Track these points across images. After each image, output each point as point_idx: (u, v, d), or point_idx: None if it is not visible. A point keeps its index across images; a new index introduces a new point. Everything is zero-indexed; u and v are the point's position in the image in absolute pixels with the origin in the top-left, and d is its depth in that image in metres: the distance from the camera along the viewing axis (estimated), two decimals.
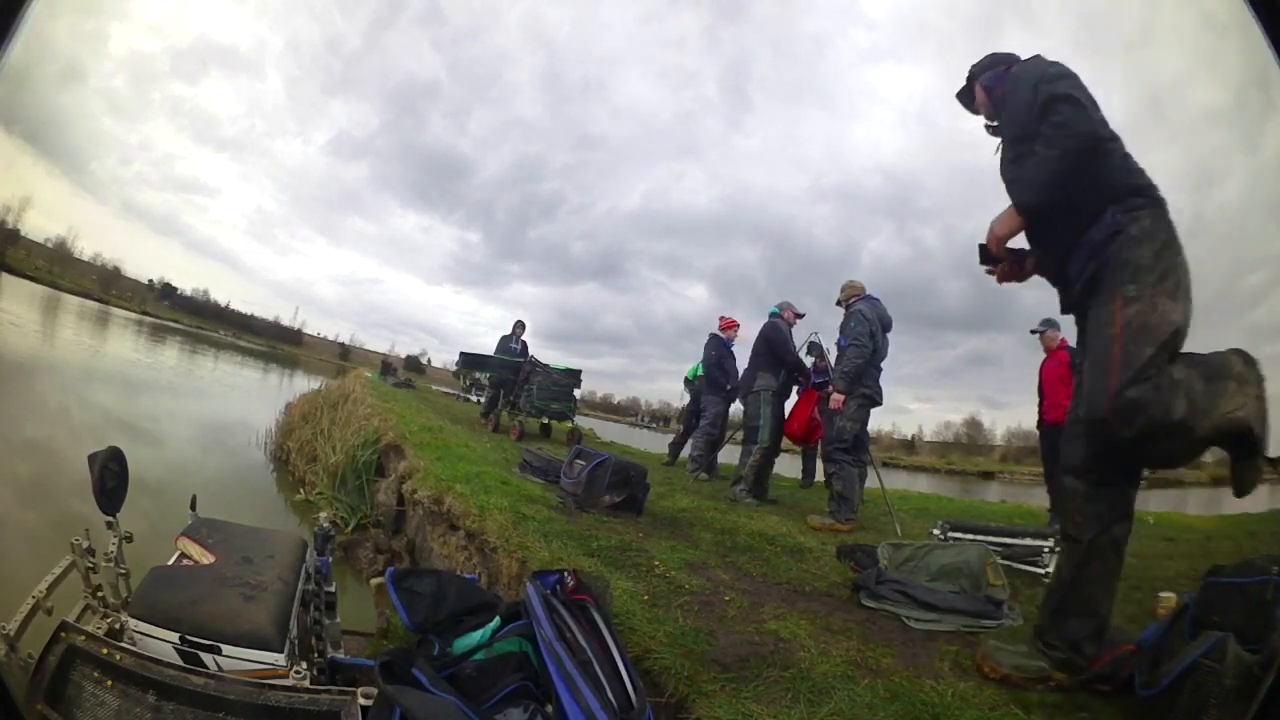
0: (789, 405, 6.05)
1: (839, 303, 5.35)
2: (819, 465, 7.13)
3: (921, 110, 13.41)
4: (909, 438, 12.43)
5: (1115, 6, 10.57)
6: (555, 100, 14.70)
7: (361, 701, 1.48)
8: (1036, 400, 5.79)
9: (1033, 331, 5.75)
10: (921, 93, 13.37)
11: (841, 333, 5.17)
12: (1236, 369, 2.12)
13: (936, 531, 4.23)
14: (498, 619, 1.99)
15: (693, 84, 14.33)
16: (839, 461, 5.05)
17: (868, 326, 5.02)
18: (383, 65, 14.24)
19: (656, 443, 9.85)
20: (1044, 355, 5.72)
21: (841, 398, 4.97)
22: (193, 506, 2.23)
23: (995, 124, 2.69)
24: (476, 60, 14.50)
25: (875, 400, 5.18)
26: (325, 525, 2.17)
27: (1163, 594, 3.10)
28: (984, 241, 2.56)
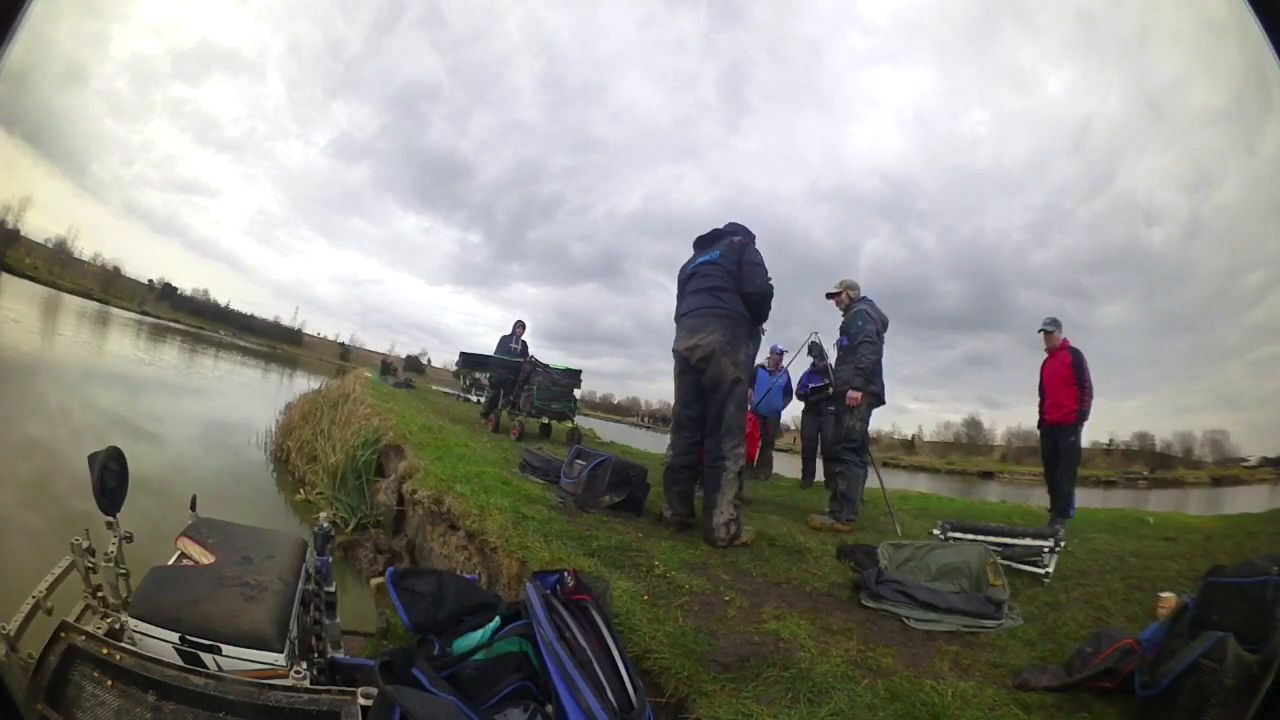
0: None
1: (831, 295, 5.25)
2: (819, 465, 7.13)
3: (918, 113, 13.47)
4: (909, 438, 12.42)
5: (1112, 8, 10.58)
6: (555, 103, 14.74)
7: (361, 701, 1.48)
8: (1035, 400, 5.78)
9: (1040, 330, 5.74)
10: (918, 96, 13.42)
11: (844, 333, 5.11)
12: None
13: (936, 531, 4.22)
14: (498, 619, 1.99)
15: (691, 87, 14.39)
16: (846, 461, 4.98)
17: (874, 325, 4.98)
18: (384, 68, 14.26)
19: (656, 443, 9.83)
20: (1044, 355, 5.71)
21: (859, 395, 4.89)
22: (193, 506, 2.23)
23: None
24: (477, 63, 14.54)
25: (880, 399, 5.13)
26: (325, 525, 2.17)
27: (1163, 594, 3.11)
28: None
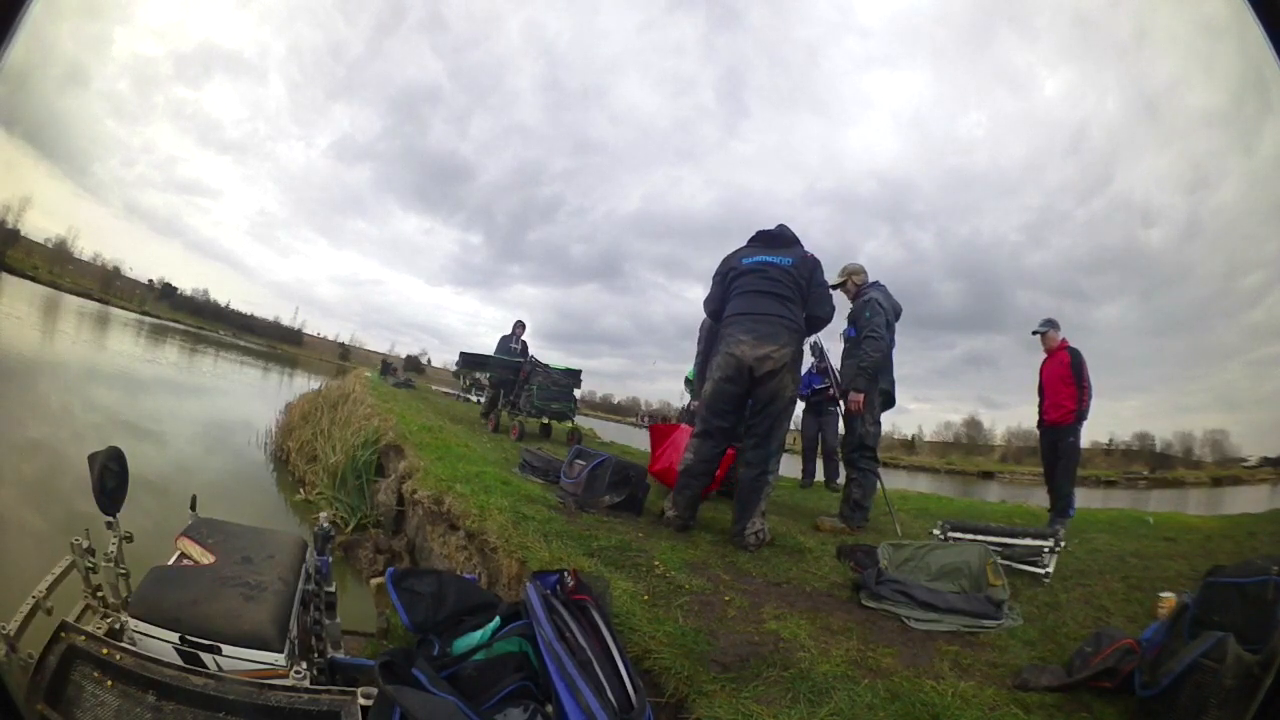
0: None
1: (835, 286, 4.83)
2: (819, 465, 7.13)
3: (915, 116, 13.48)
4: (909, 438, 12.43)
5: (1109, 10, 10.57)
6: (555, 106, 14.79)
7: (361, 701, 1.48)
8: (1035, 400, 5.78)
9: (1034, 333, 5.73)
10: (915, 99, 13.45)
11: (851, 323, 4.73)
12: None
13: (936, 531, 4.22)
14: (498, 619, 1.99)
15: (690, 91, 14.45)
16: (863, 469, 4.70)
17: (883, 316, 4.60)
18: (385, 70, 14.31)
19: None
20: (1043, 355, 5.71)
21: (861, 397, 4.58)
22: (193, 506, 2.23)
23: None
24: (478, 66, 14.58)
25: (891, 396, 4.84)
26: (325, 525, 2.17)
27: (1163, 594, 3.10)
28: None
